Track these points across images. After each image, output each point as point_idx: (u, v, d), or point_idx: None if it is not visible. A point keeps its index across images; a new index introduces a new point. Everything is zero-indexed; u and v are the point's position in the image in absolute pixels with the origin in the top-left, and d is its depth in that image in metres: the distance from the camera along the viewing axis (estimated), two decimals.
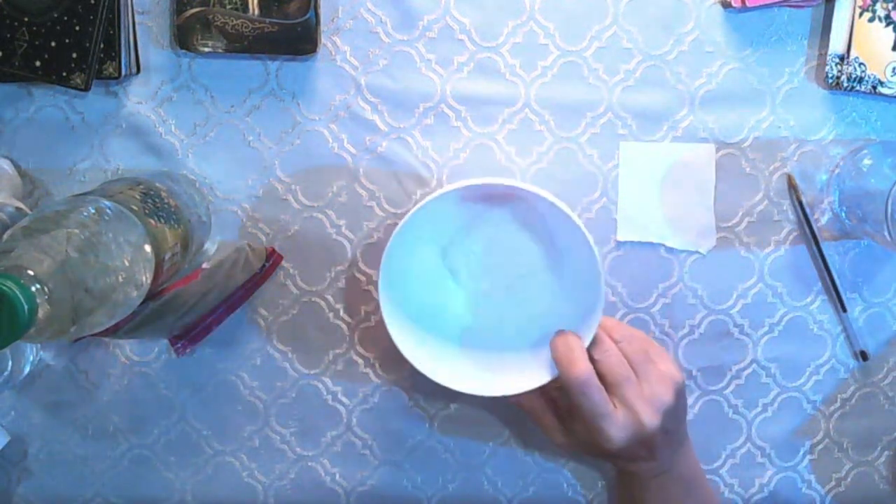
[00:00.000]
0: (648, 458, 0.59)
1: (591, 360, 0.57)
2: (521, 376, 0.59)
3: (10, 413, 0.66)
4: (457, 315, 0.64)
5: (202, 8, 0.61)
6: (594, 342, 0.58)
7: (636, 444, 0.57)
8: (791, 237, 0.67)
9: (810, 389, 0.69)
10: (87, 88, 0.59)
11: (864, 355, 0.68)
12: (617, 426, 0.56)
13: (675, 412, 0.58)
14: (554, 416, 0.61)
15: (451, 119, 0.65)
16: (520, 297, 0.63)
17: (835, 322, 0.68)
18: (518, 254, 0.64)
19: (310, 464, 0.68)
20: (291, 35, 0.61)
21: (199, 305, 0.60)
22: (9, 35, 0.58)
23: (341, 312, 0.66)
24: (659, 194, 0.66)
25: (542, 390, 0.59)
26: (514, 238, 0.63)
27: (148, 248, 0.49)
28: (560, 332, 0.58)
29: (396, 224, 0.56)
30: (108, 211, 0.48)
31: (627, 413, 0.56)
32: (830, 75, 0.64)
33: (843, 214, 0.65)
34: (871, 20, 0.63)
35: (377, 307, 0.65)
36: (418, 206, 0.56)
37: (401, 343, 0.58)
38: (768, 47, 0.65)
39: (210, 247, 0.62)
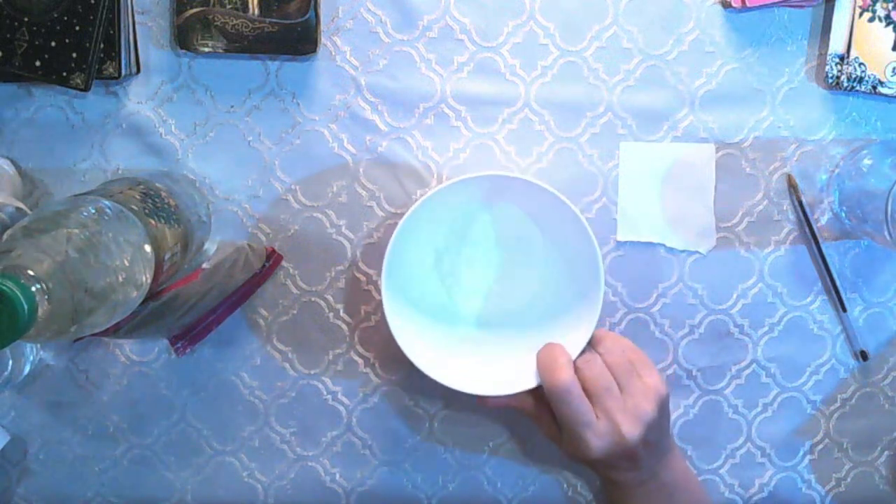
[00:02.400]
0: (630, 468, 0.59)
1: (576, 369, 0.58)
2: (513, 378, 0.59)
3: (10, 413, 0.66)
4: (456, 314, 0.64)
5: (202, 8, 0.61)
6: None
7: (617, 454, 0.57)
8: (791, 237, 0.67)
9: (810, 389, 0.69)
10: (87, 88, 0.59)
11: (864, 355, 0.68)
12: (597, 435, 0.57)
13: (658, 425, 0.58)
14: (548, 410, 0.61)
15: (451, 119, 0.65)
16: (517, 296, 0.64)
17: (835, 322, 0.68)
18: (517, 255, 0.64)
19: (310, 464, 0.68)
20: (291, 35, 0.61)
21: (199, 305, 0.60)
22: (9, 35, 0.58)
23: (341, 312, 0.66)
24: (659, 194, 0.66)
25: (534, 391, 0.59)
26: (513, 238, 0.63)
27: (148, 248, 0.49)
28: (547, 343, 0.59)
29: (396, 224, 0.57)
30: (108, 211, 0.48)
31: (608, 423, 0.57)
32: (830, 75, 0.64)
33: (843, 214, 0.65)
34: (871, 20, 0.63)
35: (377, 307, 0.66)
36: (420, 200, 0.57)
37: (400, 336, 0.58)
38: (768, 47, 0.65)
39: (210, 247, 0.62)
